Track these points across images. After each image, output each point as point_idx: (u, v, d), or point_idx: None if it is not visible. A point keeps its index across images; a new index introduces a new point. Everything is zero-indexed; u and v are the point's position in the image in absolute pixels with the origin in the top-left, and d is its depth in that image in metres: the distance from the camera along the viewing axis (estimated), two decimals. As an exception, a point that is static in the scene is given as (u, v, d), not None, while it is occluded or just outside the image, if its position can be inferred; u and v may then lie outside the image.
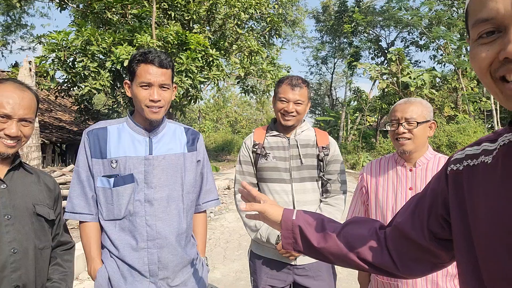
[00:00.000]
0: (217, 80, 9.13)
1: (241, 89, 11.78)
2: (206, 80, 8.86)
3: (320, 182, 1.90)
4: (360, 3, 24.83)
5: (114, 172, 1.46)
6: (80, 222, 1.50)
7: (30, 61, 5.73)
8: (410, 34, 23.46)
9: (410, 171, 1.68)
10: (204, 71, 8.63)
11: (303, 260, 1.84)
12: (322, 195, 1.92)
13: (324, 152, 1.88)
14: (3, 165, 1.32)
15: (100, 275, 1.43)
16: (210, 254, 4.69)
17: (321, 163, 1.88)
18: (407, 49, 23.63)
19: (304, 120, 1.97)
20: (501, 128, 0.72)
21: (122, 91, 8.97)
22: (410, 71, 14.91)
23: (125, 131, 1.54)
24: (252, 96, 12.45)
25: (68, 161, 10.74)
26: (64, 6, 8.66)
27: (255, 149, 1.89)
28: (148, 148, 1.52)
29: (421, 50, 22.23)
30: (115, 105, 9.01)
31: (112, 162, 1.46)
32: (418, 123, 1.61)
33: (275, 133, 1.93)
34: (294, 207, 1.82)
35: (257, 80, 11.25)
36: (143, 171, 1.48)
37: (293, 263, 1.84)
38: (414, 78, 14.42)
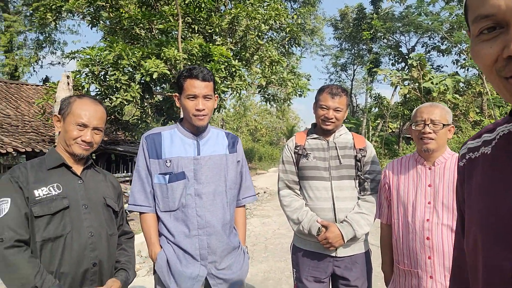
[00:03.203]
0: (240, 89, 9.43)
1: (262, 97, 12.05)
2: (228, 90, 9.16)
3: (357, 181, 2.05)
4: (379, 9, 24.84)
5: (168, 170, 1.71)
6: (140, 213, 1.75)
7: (68, 76, 6.17)
8: (431, 39, 23.25)
9: (429, 170, 1.84)
10: (227, 81, 8.95)
11: (342, 252, 1.98)
12: (360, 193, 2.06)
13: (362, 153, 2.04)
14: (78, 165, 1.58)
15: (160, 258, 1.67)
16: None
17: (359, 163, 2.03)
18: (428, 54, 23.39)
19: (342, 125, 2.13)
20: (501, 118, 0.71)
21: (150, 102, 9.40)
22: (432, 77, 14.80)
23: (176, 135, 1.79)
24: (272, 104, 12.68)
25: (98, 169, 11.21)
26: (96, 23, 9.20)
27: (297, 150, 2.07)
28: (197, 150, 1.76)
29: (443, 55, 21.98)
30: (144, 116, 9.45)
31: (166, 162, 1.71)
32: (444, 125, 1.77)
33: (315, 136, 2.09)
34: (333, 202, 1.98)
35: (278, 88, 11.49)
36: (193, 169, 1.72)
37: (333, 254, 1.98)
38: (437, 84, 14.31)
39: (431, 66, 18.11)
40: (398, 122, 21.01)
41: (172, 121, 10.69)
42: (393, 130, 23.02)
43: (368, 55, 25.76)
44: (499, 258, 0.57)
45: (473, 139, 0.74)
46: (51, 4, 8.28)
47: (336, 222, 1.97)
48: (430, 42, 23.55)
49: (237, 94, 9.77)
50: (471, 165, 0.70)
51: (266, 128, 33.36)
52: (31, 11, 16.36)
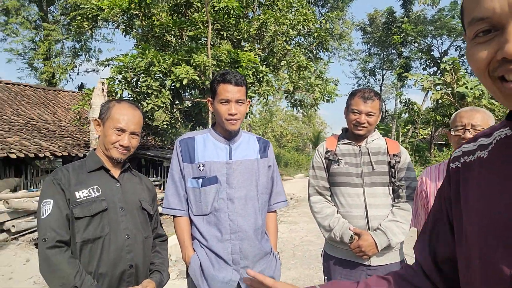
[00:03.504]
0: (267, 95, 9.45)
1: (289, 103, 12.01)
2: (255, 95, 9.20)
3: (391, 188, 1.98)
4: (410, 13, 24.28)
5: (201, 174, 1.72)
6: (174, 217, 1.77)
7: (103, 82, 6.40)
8: (465, 42, 22.45)
9: (470, 177, 1.76)
10: (254, 86, 8.99)
11: (376, 261, 1.92)
12: (394, 201, 1.99)
13: (396, 159, 1.97)
14: (116, 168, 1.63)
15: (193, 261, 1.68)
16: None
17: (393, 169, 1.97)
18: (462, 58, 22.59)
19: (375, 130, 2.07)
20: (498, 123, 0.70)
21: (179, 107, 9.58)
22: (467, 81, 14.25)
23: (209, 140, 1.80)
24: (299, 110, 12.61)
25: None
26: (129, 31, 9.53)
27: (328, 156, 2.02)
28: (229, 154, 1.77)
29: (478, 59, 21.14)
30: (173, 121, 9.65)
31: (199, 166, 1.73)
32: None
33: (346, 141, 2.04)
34: (366, 210, 1.92)
35: (305, 94, 11.42)
36: (225, 173, 1.73)
37: (366, 263, 1.91)
38: (471, 88, 13.76)
39: (465, 71, 17.44)
40: (429, 128, 20.39)
41: (201, 126, 10.85)
42: (424, 136, 22.31)
43: (398, 59, 25.20)
44: (496, 260, 0.57)
45: (468, 142, 0.74)
46: (87, 14, 8.65)
47: (369, 230, 1.92)
48: (464, 46, 22.74)
49: (264, 99, 9.79)
50: (467, 169, 0.70)
51: (292, 134, 33.20)
52: (69, 20, 17.18)
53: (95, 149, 1.64)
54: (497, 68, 0.54)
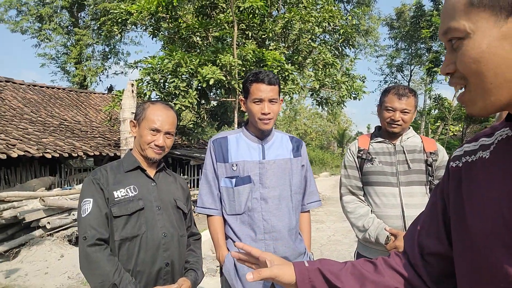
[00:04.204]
0: (292, 93, 9.39)
1: (314, 101, 11.89)
2: (281, 94, 9.16)
3: (429, 187, 1.94)
4: (439, 6, 23.45)
5: (235, 174, 1.73)
6: (208, 216, 1.79)
7: (133, 84, 6.56)
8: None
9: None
10: (280, 85, 8.96)
11: None
12: None
13: (433, 157, 1.93)
14: (151, 168, 1.65)
15: (227, 260, 1.69)
16: (293, 261, 4.84)
17: (430, 168, 1.92)
18: (496, 51, 21.56)
19: (410, 128, 2.03)
20: (497, 122, 0.70)
21: (206, 107, 9.69)
22: (501, 75, 13.61)
23: (242, 139, 1.80)
24: (324, 108, 12.47)
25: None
26: (156, 33, 9.72)
27: (360, 155, 2.00)
28: (262, 154, 1.76)
29: (513, 52, 20.15)
30: (199, 120, 9.78)
31: (233, 166, 1.74)
32: None
33: (380, 139, 2.01)
34: (402, 210, 1.88)
35: (331, 91, 11.27)
36: (258, 173, 1.73)
37: None
38: (507, 83, 13.13)
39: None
40: (461, 125, 19.60)
41: (226, 126, 10.92)
42: (455, 133, 21.50)
43: (427, 54, 24.41)
44: (500, 261, 0.58)
45: (469, 142, 0.75)
46: (117, 18, 8.89)
47: (405, 230, 1.87)
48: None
49: (290, 98, 9.73)
50: (469, 168, 0.71)
51: (316, 132, 32.86)
52: (99, 25, 17.73)
53: (131, 149, 1.68)
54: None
